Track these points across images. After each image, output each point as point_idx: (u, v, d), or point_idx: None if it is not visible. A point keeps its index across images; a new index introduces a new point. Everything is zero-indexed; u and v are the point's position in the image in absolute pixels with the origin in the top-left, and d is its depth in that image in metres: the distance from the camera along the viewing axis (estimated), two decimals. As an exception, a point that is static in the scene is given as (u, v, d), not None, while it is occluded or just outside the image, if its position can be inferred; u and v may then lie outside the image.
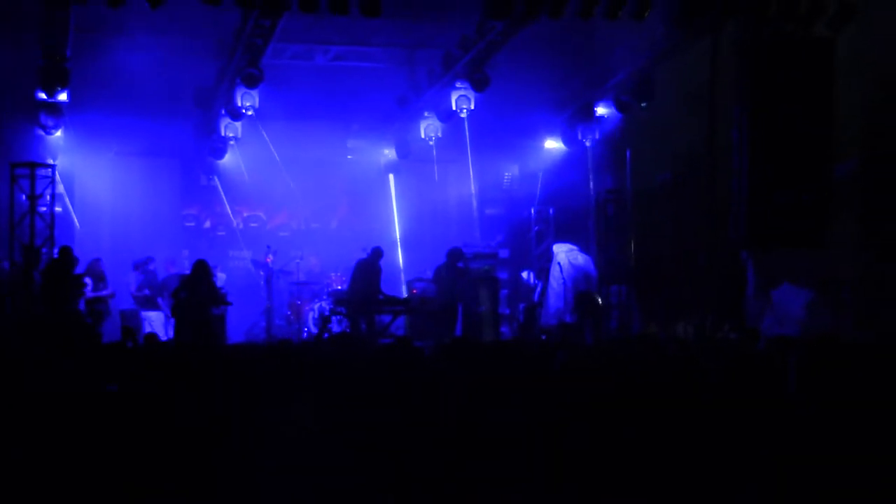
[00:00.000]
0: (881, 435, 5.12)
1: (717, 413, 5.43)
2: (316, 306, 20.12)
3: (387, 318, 18.28)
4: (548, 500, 5.56)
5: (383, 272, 18.32)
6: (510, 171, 22.82)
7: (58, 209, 17.62)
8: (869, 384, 5.44)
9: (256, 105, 18.21)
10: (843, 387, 5.32)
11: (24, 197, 16.71)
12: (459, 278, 18.14)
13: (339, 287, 19.70)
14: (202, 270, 17.15)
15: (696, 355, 8.51)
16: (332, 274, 20.39)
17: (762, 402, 5.51)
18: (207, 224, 22.09)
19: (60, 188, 18.39)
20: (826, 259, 14.50)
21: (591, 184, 20.24)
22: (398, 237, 22.53)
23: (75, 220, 19.36)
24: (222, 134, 19.78)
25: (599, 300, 18.45)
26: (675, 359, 8.07)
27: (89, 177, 20.36)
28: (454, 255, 18.21)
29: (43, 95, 17.28)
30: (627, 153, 19.19)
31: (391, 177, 22.89)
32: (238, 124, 19.49)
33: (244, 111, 18.41)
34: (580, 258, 19.35)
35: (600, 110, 19.28)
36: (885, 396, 5.37)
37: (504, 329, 20.30)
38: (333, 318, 18.66)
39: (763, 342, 12.10)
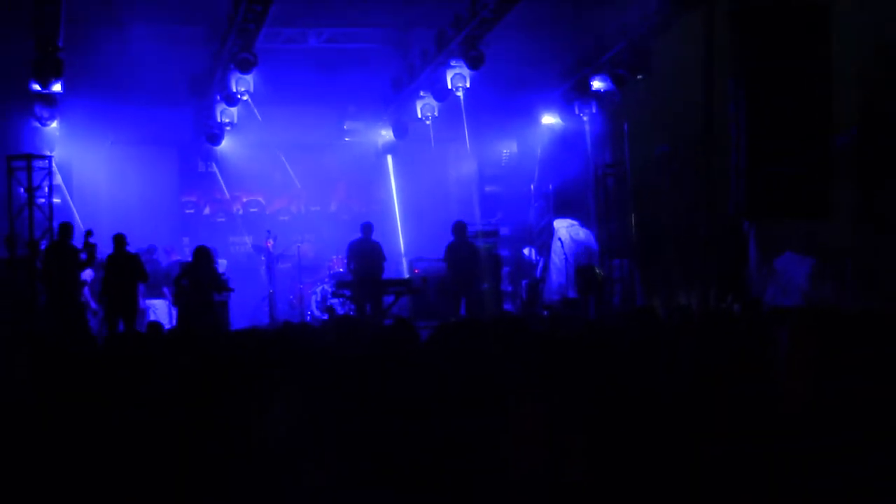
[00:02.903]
0: (878, 405, 5.13)
1: (711, 384, 5.46)
2: (318, 290, 20.27)
3: (390, 299, 18.26)
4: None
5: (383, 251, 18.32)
6: (508, 149, 22.86)
7: (56, 200, 17.62)
8: (865, 353, 5.48)
9: (251, 90, 18.21)
10: (838, 356, 5.35)
11: (21, 189, 16.70)
12: (474, 254, 18.07)
13: (341, 269, 19.78)
14: (203, 257, 17.16)
15: (698, 325, 8.52)
16: (333, 257, 20.45)
17: (755, 373, 5.55)
18: (207, 211, 22.23)
19: (58, 179, 18.41)
20: (827, 229, 14.50)
21: (590, 158, 20.23)
22: (398, 218, 22.65)
23: (74, 210, 19.36)
24: (218, 120, 19.81)
25: (600, 274, 18.47)
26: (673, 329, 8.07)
27: (87, 167, 20.45)
28: (460, 228, 18.12)
29: (37, 87, 17.22)
30: (625, 126, 19.18)
31: (389, 157, 22.98)
32: (234, 110, 19.50)
33: (239, 96, 18.43)
34: (581, 233, 19.41)
35: (596, 84, 19.24)
36: (882, 366, 5.39)
37: (507, 306, 20.35)
38: (336, 300, 18.72)
39: (766, 312, 12.10)
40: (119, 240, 16.65)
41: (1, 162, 16.71)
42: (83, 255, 16.48)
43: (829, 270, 14.65)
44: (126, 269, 16.61)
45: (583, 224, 19.72)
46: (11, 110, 18.01)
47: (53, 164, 17.37)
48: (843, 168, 14.08)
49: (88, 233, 16.58)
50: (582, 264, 18.59)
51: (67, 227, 16.51)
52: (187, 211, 22.05)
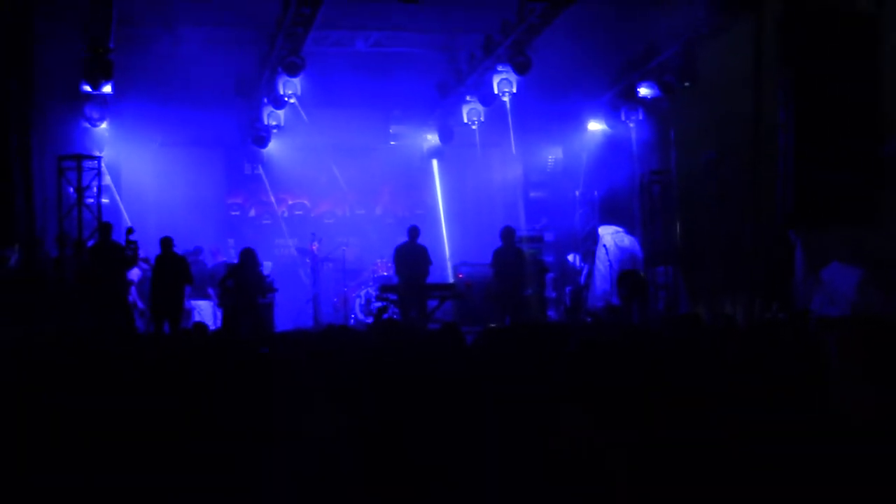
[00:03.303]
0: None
1: (761, 393, 5.44)
2: (362, 293, 20.33)
3: (434, 304, 18.28)
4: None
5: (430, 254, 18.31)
6: (554, 154, 22.76)
7: (104, 201, 17.75)
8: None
9: (298, 93, 18.30)
10: (887, 366, 5.32)
11: (71, 189, 16.84)
12: (521, 259, 18.04)
13: (385, 273, 19.85)
14: (249, 259, 17.31)
15: (742, 334, 8.47)
16: (378, 260, 20.53)
17: (805, 383, 5.53)
18: (252, 213, 22.32)
19: (107, 180, 18.60)
20: (876, 238, 14.36)
21: (636, 165, 20.14)
22: (443, 222, 22.67)
23: (123, 210, 19.54)
24: (265, 122, 19.90)
25: (643, 277, 18.40)
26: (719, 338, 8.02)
27: (135, 168, 20.61)
28: (508, 233, 18.12)
29: (88, 88, 17.38)
30: (672, 133, 19.10)
31: (434, 162, 23.01)
32: (281, 112, 19.59)
33: (286, 99, 18.52)
34: (626, 240, 19.32)
35: (643, 91, 19.16)
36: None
37: (551, 312, 20.33)
38: (380, 304, 18.74)
39: (813, 323, 12.00)
40: (166, 242, 16.83)
41: (51, 162, 16.84)
42: (127, 253, 16.65)
43: (878, 280, 14.49)
44: (173, 271, 16.76)
45: (628, 231, 19.62)
46: (63, 111, 18.11)
47: (103, 165, 17.52)
48: (891, 176, 13.95)
49: (129, 230, 16.78)
50: (626, 271, 18.50)
51: (108, 227, 16.75)
52: (233, 213, 22.16)
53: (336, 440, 5.63)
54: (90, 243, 16.84)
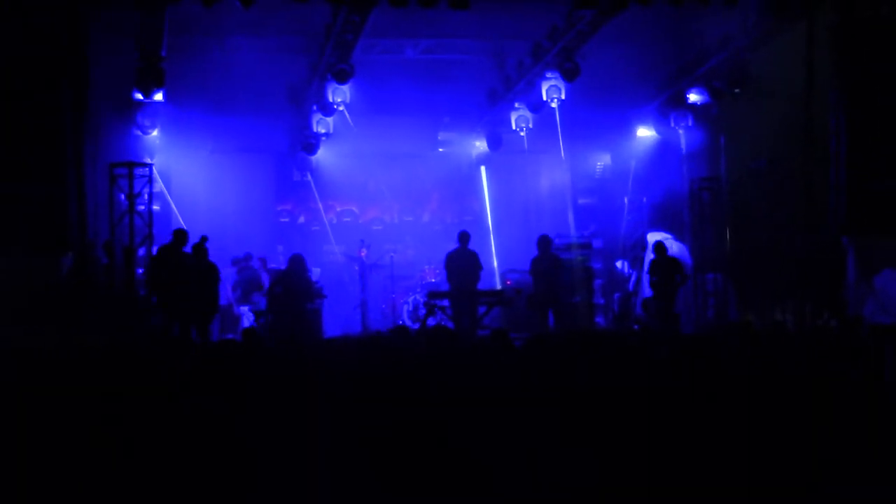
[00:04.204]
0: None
1: (812, 401, 5.43)
2: (410, 299, 20.41)
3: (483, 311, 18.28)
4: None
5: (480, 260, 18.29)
6: (603, 161, 22.74)
7: (155, 207, 17.85)
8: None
9: (348, 100, 18.34)
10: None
11: (122, 196, 16.95)
12: (556, 267, 18.06)
13: (433, 279, 19.91)
14: (298, 265, 17.38)
15: (795, 342, 8.42)
16: (426, 266, 20.62)
17: (861, 392, 5.51)
18: (301, 219, 22.43)
19: (158, 186, 18.75)
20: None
21: (685, 172, 20.07)
22: (491, 229, 22.65)
23: (178, 216, 19.69)
24: (314, 129, 19.97)
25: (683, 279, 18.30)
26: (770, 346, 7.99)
27: (186, 175, 20.74)
28: (543, 242, 18.16)
29: (140, 96, 17.54)
30: (721, 140, 19.01)
31: (482, 169, 23.04)
32: (330, 119, 19.64)
33: (335, 106, 18.54)
34: (674, 246, 19.24)
35: (693, 97, 19.09)
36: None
37: (599, 319, 20.29)
38: (425, 310, 18.77)
39: (866, 330, 11.89)
40: (200, 244, 16.87)
41: (104, 169, 16.95)
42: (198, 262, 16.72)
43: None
44: (206, 277, 16.84)
45: (676, 237, 19.56)
46: (115, 119, 18.25)
47: (154, 172, 17.64)
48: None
49: (203, 238, 16.78)
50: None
51: (182, 235, 16.75)
52: (282, 219, 22.28)
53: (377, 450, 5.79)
54: (141, 251, 16.99)
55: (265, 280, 19.09)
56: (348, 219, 22.52)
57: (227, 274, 19.15)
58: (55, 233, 15.13)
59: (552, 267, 17.99)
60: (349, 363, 8.22)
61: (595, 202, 22.74)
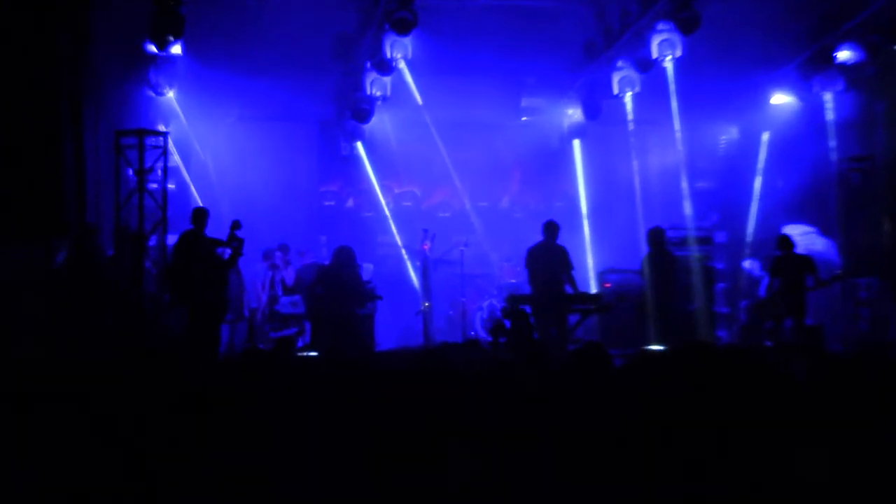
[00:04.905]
0: None
1: None
2: (485, 304, 20.38)
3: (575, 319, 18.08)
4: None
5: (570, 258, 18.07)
6: (727, 135, 22.57)
7: (170, 186, 17.84)
8: None
9: (409, 56, 18.32)
10: None
11: (131, 171, 16.92)
12: (671, 268, 17.87)
13: (513, 280, 19.83)
14: (345, 260, 17.30)
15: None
16: (504, 264, 20.61)
17: None
18: (350, 203, 22.60)
19: (175, 160, 18.83)
20: None
21: (832, 148, 19.77)
22: (585, 218, 22.64)
23: (197, 196, 19.80)
24: (368, 92, 19.88)
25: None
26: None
27: (208, 146, 20.92)
28: (656, 236, 17.93)
29: (153, 48, 17.55)
30: (879, 108, 18.70)
31: (576, 143, 22.99)
32: (387, 80, 19.57)
33: (394, 63, 18.53)
34: (819, 243, 19.01)
35: (842, 55, 18.79)
36: None
37: (721, 333, 20.03)
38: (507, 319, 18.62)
39: None
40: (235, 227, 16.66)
41: (108, 138, 16.92)
42: (225, 252, 16.50)
43: None
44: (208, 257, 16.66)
45: (821, 232, 19.28)
46: (122, 76, 18.27)
47: (169, 142, 17.49)
48: None
49: (236, 223, 16.45)
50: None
51: (203, 215, 16.48)
52: (326, 203, 22.44)
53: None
54: (153, 239, 16.94)
55: (288, 278, 19.13)
56: (409, 203, 22.69)
57: (258, 270, 19.25)
58: (46, 216, 14.90)
59: (667, 267, 17.77)
60: (404, 383, 8.07)
61: (717, 186, 22.70)
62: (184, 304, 16.16)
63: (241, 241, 16.43)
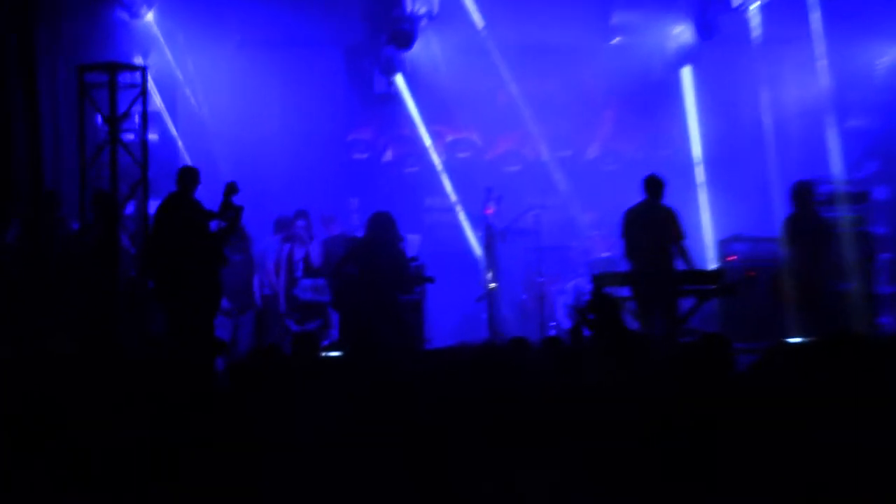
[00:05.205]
0: None
1: None
2: (569, 285, 20.37)
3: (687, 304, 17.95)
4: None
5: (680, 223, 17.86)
6: (887, 56, 22.26)
7: (152, 136, 17.82)
8: None
9: (463, -41, 18.32)
10: None
11: (100, 119, 16.91)
12: (821, 234, 17.72)
13: (606, 254, 19.83)
14: (383, 231, 17.18)
15: None
16: (594, 232, 20.65)
17: None
18: (388, 156, 22.70)
19: (156, 103, 18.97)
20: None
21: None
22: (699, 169, 22.56)
23: (184, 153, 19.87)
24: (410, 9, 20.00)
25: None
26: None
27: (200, 83, 20.96)
28: (803, 192, 17.76)
29: (126, -45, 17.63)
30: None
31: (685, 71, 22.93)
32: (435, -8, 19.64)
33: (444, -31, 18.54)
34: None
35: None
36: None
37: (884, 319, 19.87)
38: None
39: None
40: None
41: (70, 76, 16.92)
42: (218, 224, 16.19)
43: None
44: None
45: None
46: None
47: (149, 80, 17.45)
48: None
49: (231, 187, 16.18)
50: None
51: (191, 176, 16.24)
52: (357, 156, 22.55)
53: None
54: (130, 207, 17.01)
55: (314, 254, 19.09)
56: (466, 154, 22.76)
57: (268, 245, 19.26)
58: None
59: (821, 233, 17.61)
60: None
61: (873, 124, 22.46)
62: (165, 292, 16.05)
63: (238, 211, 16.14)
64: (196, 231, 16.00)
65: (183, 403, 8.11)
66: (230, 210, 15.98)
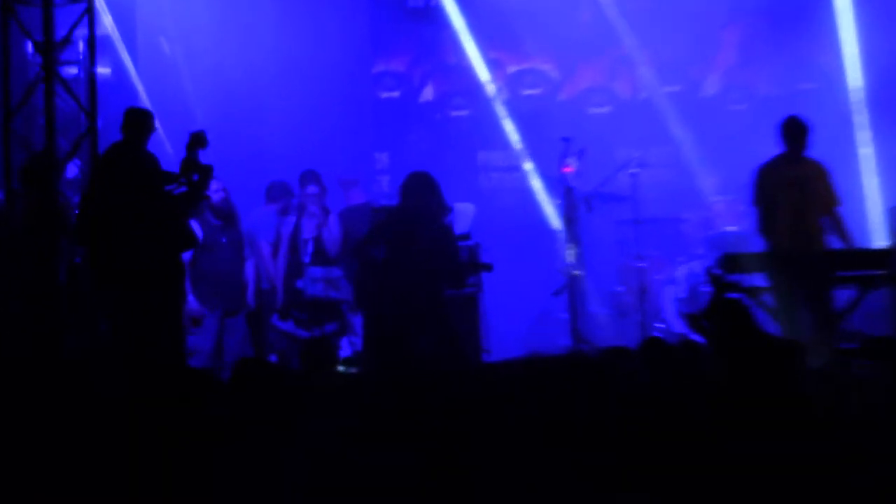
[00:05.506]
0: None
1: None
2: (681, 272, 20.10)
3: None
4: None
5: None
6: None
7: (103, 71, 17.88)
8: None
9: None
10: None
11: (30, 47, 17.08)
12: None
13: (733, 227, 19.51)
14: (423, 197, 16.75)
15: None
16: (716, 198, 20.40)
17: None
18: (428, 94, 22.67)
19: (107, 25, 18.99)
20: None
21: None
22: (859, 110, 22.07)
23: (143, 94, 19.79)
24: None
25: None
26: None
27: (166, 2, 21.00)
28: None
29: None
30: None
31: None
32: None
33: None
34: None
35: None
36: None
37: None
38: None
39: None
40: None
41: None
42: (180, 187, 15.83)
43: None
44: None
45: None
46: None
47: (97, -4, 17.62)
48: None
49: (196, 137, 15.73)
50: None
51: (142, 119, 15.82)
52: (384, 94, 22.59)
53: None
54: (72, 169, 17.20)
55: (328, 235, 18.74)
56: (536, 91, 22.74)
57: (263, 217, 19.07)
58: None
59: None
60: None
61: None
62: (103, 281, 15.70)
63: (205, 172, 15.76)
64: (146, 196, 15.49)
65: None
66: (194, 169, 15.45)
